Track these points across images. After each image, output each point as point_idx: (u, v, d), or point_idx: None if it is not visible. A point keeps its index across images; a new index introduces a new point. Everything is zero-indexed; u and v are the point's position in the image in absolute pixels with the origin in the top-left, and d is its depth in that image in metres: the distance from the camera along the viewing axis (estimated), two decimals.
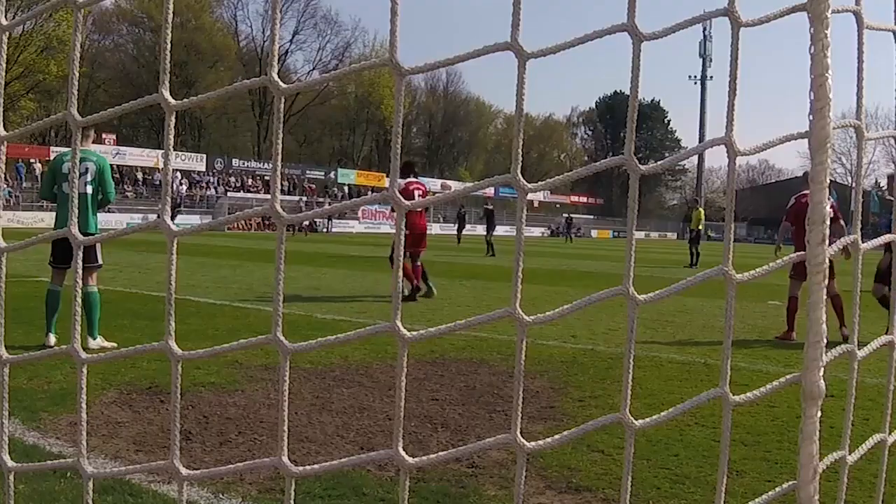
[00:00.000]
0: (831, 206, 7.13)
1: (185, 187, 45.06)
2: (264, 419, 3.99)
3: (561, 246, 37.17)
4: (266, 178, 49.99)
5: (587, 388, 4.99)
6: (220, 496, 2.87)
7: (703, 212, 22.05)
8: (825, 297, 1.05)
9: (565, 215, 54.67)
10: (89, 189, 5.66)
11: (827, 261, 1.04)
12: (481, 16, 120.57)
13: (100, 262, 5.81)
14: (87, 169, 5.68)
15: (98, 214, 5.80)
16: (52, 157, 40.97)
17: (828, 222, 1.03)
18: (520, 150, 1.00)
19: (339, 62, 63.34)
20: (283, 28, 58.95)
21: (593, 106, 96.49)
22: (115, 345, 5.69)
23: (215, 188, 48.01)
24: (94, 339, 5.68)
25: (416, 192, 9.80)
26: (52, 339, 5.62)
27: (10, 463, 1.18)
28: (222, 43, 57.96)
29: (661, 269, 19.40)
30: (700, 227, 21.42)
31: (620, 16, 1.03)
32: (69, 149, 5.95)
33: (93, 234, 5.51)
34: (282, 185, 48.01)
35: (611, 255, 27.04)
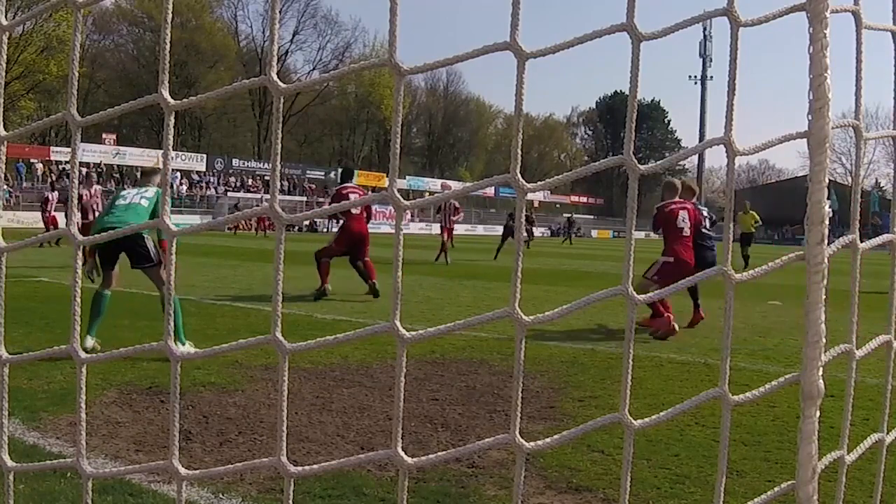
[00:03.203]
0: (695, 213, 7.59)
1: (185, 187, 45.07)
2: (264, 419, 3.99)
3: (561, 246, 37.14)
4: (266, 178, 50.03)
5: (587, 388, 4.99)
6: (220, 496, 2.87)
7: (755, 214, 20.66)
8: (823, 296, 1.05)
9: (567, 215, 54.53)
10: (144, 202, 5.74)
11: (826, 261, 1.04)
12: (482, 15, 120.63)
13: (154, 260, 5.68)
14: (147, 189, 5.90)
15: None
16: (50, 157, 41.17)
17: (826, 222, 1.03)
18: (519, 150, 1.00)
19: (339, 62, 63.38)
20: (283, 28, 58.96)
21: (593, 106, 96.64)
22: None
23: (215, 188, 48.02)
24: (183, 343, 5.45)
25: (352, 196, 9.90)
26: (90, 342, 5.37)
27: (10, 463, 1.18)
28: (222, 43, 57.97)
29: None
30: (753, 230, 20.48)
31: (620, 16, 1.03)
32: (131, 189, 6.16)
33: (142, 238, 5.61)
34: (282, 185, 48.15)
35: (611, 255, 27.03)
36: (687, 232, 7.43)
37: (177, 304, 5.69)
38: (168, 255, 1.16)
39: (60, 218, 18.74)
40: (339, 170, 11.41)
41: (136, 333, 6.20)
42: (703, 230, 7.75)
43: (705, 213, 8.02)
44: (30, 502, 2.70)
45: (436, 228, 52.08)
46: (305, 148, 65.82)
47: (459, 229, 27.71)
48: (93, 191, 13.18)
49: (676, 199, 7.68)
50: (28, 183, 39.13)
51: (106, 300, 5.61)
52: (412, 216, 50.83)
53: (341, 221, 10.13)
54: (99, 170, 42.60)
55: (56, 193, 19.91)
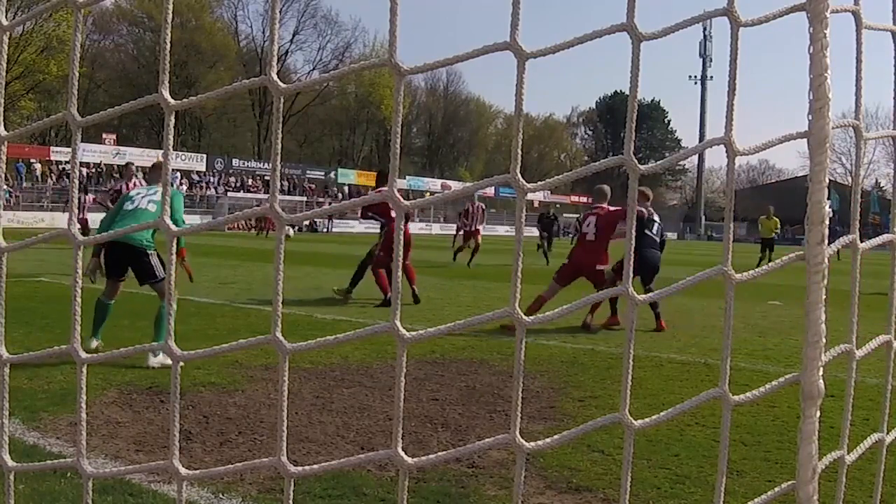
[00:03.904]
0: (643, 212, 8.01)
1: (185, 187, 45.06)
2: (264, 419, 3.99)
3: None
4: (266, 178, 50.05)
5: (587, 388, 4.99)
6: (220, 496, 2.87)
7: (777, 221, 20.62)
8: (823, 296, 1.05)
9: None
10: (152, 207, 5.56)
11: (826, 261, 1.04)
12: (482, 15, 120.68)
13: (160, 275, 5.54)
14: (156, 191, 5.67)
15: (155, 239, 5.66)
16: (50, 157, 41.19)
17: (827, 222, 1.03)
18: (519, 150, 1.00)
19: (339, 62, 63.35)
20: (283, 28, 58.96)
21: (593, 106, 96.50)
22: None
23: (215, 188, 48.03)
24: (156, 355, 5.19)
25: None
26: (94, 343, 5.40)
27: (10, 463, 1.18)
28: (222, 43, 57.95)
29: (661, 269, 19.33)
30: (773, 236, 20.40)
31: (620, 16, 1.03)
32: (140, 189, 5.86)
33: (145, 248, 5.47)
34: (282, 185, 48.17)
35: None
36: (591, 237, 8.08)
37: (163, 311, 5.62)
38: (169, 254, 1.16)
39: (91, 218, 18.36)
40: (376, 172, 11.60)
41: (136, 333, 6.19)
42: (646, 232, 8.21)
43: (656, 220, 8.45)
44: (30, 502, 2.70)
45: (436, 229, 51.98)
46: (305, 148, 65.79)
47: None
48: (131, 184, 12.86)
49: (604, 204, 8.21)
50: (28, 183, 39.12)
51: (108, 309, 5.60)
52: (412, 216, 50.73)
53: (384, 227, 9.75)
54: (99, 170, 42.62)
55: (90, 196, 19.66)
